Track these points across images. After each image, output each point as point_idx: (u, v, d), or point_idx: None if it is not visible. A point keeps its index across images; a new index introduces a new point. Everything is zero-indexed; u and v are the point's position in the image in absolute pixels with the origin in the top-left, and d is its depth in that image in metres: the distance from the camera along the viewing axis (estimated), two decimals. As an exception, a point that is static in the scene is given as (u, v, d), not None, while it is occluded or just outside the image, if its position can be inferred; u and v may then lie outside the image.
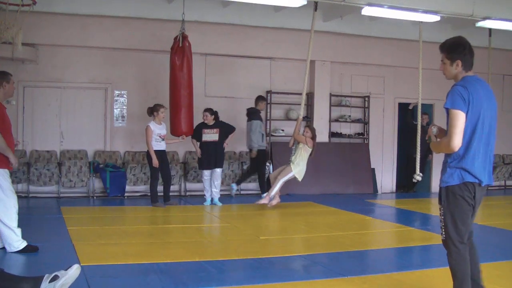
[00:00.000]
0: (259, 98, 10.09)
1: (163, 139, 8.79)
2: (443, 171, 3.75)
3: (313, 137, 8.70)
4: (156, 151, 8.69)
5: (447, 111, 3.66)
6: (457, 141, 3.56)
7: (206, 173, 9.20)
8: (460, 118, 3.58)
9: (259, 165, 10.01)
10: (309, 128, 8.80)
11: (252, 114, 9.93)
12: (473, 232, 3.93)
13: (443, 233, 3.76)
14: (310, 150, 8.66)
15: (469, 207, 3.72)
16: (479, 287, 3.85)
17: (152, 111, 8.80)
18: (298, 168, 8.64)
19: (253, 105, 10.04)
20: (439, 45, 3.89)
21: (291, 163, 8.65)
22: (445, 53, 3.84)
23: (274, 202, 8.78)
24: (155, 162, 8.59)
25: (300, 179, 8.78)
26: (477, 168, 3.65)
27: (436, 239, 6.78)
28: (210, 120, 9.15)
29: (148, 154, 8.74)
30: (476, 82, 3.77)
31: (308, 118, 11.42)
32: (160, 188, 8.96)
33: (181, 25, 8.92)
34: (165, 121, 9.00)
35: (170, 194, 9.11)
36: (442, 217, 3.74)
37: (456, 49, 3.83)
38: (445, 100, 3.77)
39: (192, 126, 9.19)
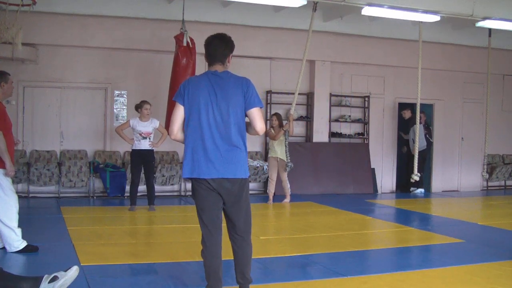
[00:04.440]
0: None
1: (145, 138, 8.17)
2: (241, 162, 3.79)
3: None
4: (136, 151, 8.20)
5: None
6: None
7: None
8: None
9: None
10: (278, 118, 9.57)
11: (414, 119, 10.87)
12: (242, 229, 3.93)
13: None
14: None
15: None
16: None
17: (137, 107, 8.36)
18: (284, 155, 9.36)
19: None
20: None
21: (276, 157, 9.43)
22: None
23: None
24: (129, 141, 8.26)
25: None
26: None
27: (436, 239, 6.80)
28: None
29: (131, 153, 8.37)
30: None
31: (309, 118, 11.44)
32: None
33: (181, 25, 8.91)
34: (158, 119, 8.62)
35: (170, 194, 9.05)
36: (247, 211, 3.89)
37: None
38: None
39: None
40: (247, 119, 3.87)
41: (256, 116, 3.80)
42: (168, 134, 3.93)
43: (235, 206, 3.82)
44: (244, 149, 3.83)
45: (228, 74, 3.87)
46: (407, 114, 11.86)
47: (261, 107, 3.84)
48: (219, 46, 3.87)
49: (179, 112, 3.81)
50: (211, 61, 3.90)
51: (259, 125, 3.80)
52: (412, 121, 11.30)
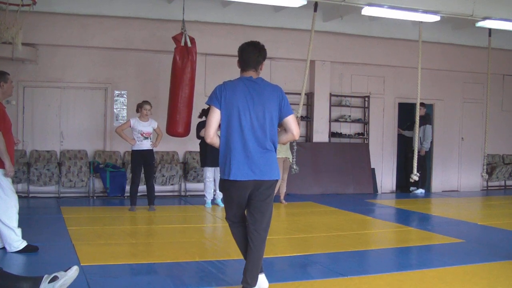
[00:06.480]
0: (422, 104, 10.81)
1: (146, 138, 8.19)
2: (275, 164, 3.98)
3: None
4: (137, 151, 8.19)
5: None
6: None
7: (209, 174, 8.93)
8: None
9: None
10: None
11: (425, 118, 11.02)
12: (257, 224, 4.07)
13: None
14: None
15: None
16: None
17: (138, 107, 8.35)
18: (291, 155, 9.33)
19: None
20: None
21: (285, 157, 9.28)
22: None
23: None
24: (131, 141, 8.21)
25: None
26: None
27: (436, 239, 6.81)
28: None
29: (131, 153, 8.35)
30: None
31: (309, 118, 11.45)
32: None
33: (181, 25, 8.91)
34: (158, 119, 8.73)
35: (170, 194, 9.02)
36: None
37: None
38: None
39: (189, 126, 9.12)
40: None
41: (293, 122, 3.99)
42: (204, 137, 3.99)
43: (264, 205, 3.99)
44: (275, 152, 4.00)
45: (263, 81, 4.02)
46: (421, 111, 11.80)
47: (293, 114, 4.03)
48: (253, 53, 4.00)
49: (216, 116, 3.90)
50: (244, 67, 4.02)
51: (296, 130, 4.00)
52: (423, 119, 11.22)
